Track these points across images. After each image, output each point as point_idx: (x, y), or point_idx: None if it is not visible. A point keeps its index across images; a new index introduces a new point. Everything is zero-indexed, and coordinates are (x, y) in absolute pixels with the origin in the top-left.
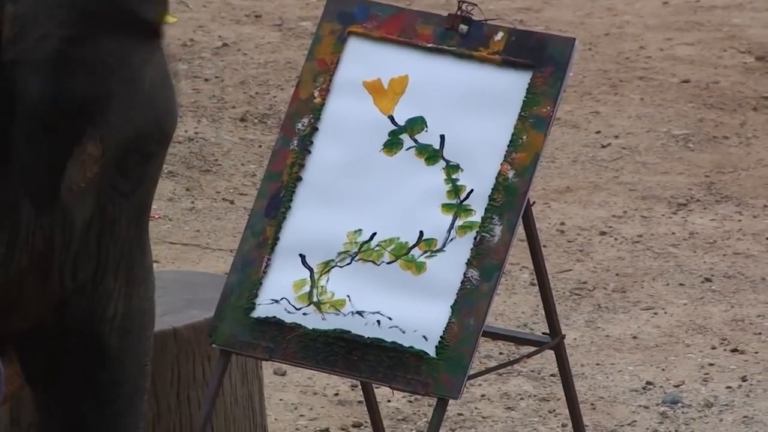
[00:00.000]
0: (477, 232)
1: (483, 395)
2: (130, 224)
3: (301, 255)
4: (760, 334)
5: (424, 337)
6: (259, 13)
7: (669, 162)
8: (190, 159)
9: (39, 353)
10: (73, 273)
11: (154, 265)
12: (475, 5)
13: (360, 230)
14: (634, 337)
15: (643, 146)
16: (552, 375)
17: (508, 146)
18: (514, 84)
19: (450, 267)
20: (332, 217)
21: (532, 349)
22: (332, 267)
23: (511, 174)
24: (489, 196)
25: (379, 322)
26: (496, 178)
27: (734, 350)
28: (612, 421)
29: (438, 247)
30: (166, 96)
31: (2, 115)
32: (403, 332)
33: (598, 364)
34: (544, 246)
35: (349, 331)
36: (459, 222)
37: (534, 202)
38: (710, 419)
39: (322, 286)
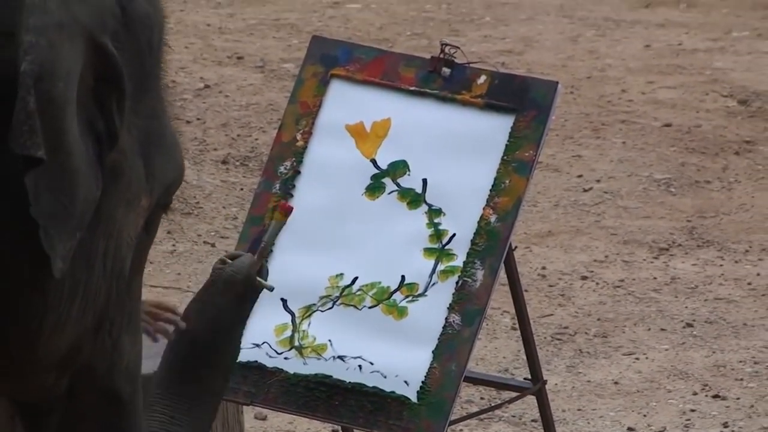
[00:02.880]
0: (459, 276)
1: None
2: (140, 275)
3: (282, 299)
4: (741, 380)
5: (406, 382)
6: (241, 54)
7: (651, 206)
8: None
9: (54, 414)
10: (110, 328)
11: None
12: (458, 48)
13: (341, 274)
14: (616, 383)
15: (625, 190)
16: (533, 420)
17: (491, 190)
18: (496, 127)
19: (432, 312)
20: (314, 261)
21: (514, 394)
22: (314, 311)
23: (493, 218)
24: (471, 240)
25: (360, 366)
26: (479, 223)
27: (716, 396)
28: None
29: (420, 291)
30: (179, 147)
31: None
32: (385, 377)
33: (579, 410)
34: (526, 291)
35: (331, 376)
36: (441, 266)
37: (516, 247)
38: None
39: (303, 331)
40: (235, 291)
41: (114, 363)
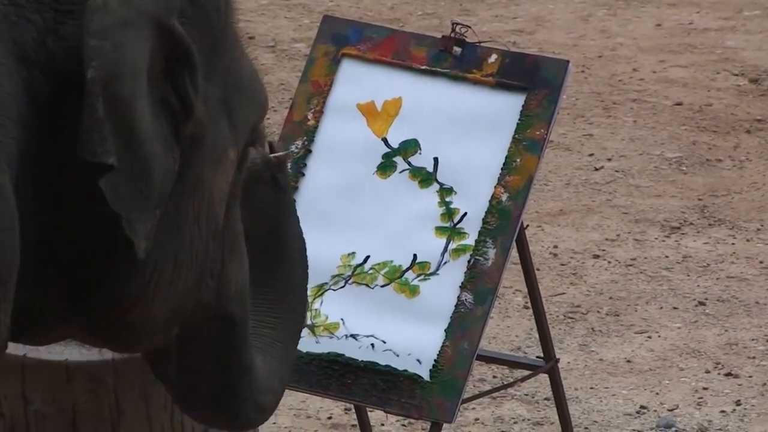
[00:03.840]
0: (470, 255)
1: (477, 419)
2: (237, 204)
3: None
4: (754, 358)
5: (418, 360)
6: (252, 34)
7: (662, 185)
8: None
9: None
10: (211, 273)
11: None
12: (469, 27)
13: (353, 253)
14: (628, 361)
15: (636, 169)
16: (546, 399)
17: (502, 169)
18: (507, 106)
19: (444, 290)
20: (326, 240)
21: (526, 372)
22: (326, 290)
23: (504, 197)
24: (482, 219)
25: (372, 345)
26: (490, 201)
27: (728, 374)
28: None
29: (431, 270)
30: (259, 82)
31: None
32: (397, 356)
33: (591, 388)
34: (538, 269)
35: (343, 354)
36: (452, 245)
37: (527, 225)
38: None
39: (315, 309)
40: (262, 180)
41: (222, 293)
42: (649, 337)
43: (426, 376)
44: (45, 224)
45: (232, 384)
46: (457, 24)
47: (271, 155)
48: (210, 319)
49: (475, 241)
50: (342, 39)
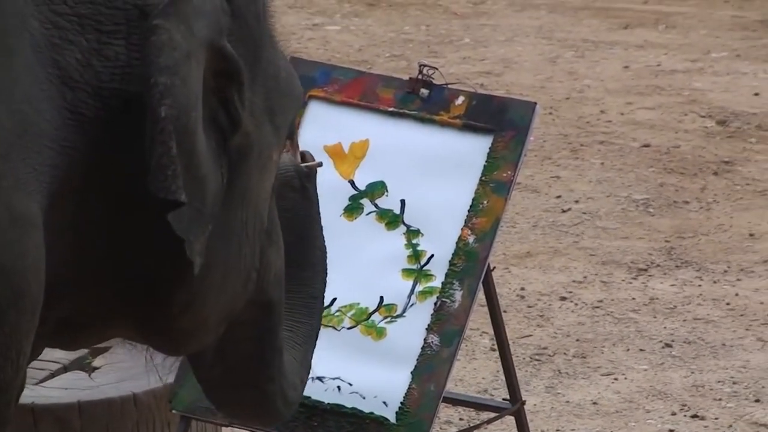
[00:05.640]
0: (437, 297)
1: None
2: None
3: None
4: (720, 399)
5: (384, 402)
6: None
7: (629, 227)
8: None
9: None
10: (256, 269)
11: None
12: (436, 69)
13: None
14: (595, 403)
15: (604, 211)
16: None
17: (469, 211)
18: (474, 148)
19: (410, 332)
20: None
21: (493, 414)
22: None
23: (471, 239)
24: (449, 261)
25: (339, 387)
26: (457, 243)
27: (694, 416)
28: None
29: (398, 312)
30: (293, 76)
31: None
32: (363, 398)
33: (558, 430)
34: (505, 311)
35: (309, 397)
36: (419, 287)
37: (494, 267)
38: None
39: None
40: (291, 187)
41: (263, 278)
42: (616, 379)
43: (392, 418)
44: (92, 237)
45: (266, 366)
46: (425, 66)
47: (302, 165)
48: (252, 304)
49: (442, 283)
50: (309, 81)
